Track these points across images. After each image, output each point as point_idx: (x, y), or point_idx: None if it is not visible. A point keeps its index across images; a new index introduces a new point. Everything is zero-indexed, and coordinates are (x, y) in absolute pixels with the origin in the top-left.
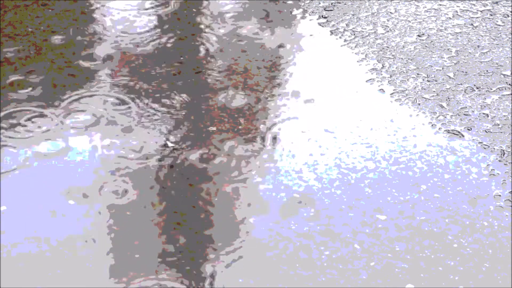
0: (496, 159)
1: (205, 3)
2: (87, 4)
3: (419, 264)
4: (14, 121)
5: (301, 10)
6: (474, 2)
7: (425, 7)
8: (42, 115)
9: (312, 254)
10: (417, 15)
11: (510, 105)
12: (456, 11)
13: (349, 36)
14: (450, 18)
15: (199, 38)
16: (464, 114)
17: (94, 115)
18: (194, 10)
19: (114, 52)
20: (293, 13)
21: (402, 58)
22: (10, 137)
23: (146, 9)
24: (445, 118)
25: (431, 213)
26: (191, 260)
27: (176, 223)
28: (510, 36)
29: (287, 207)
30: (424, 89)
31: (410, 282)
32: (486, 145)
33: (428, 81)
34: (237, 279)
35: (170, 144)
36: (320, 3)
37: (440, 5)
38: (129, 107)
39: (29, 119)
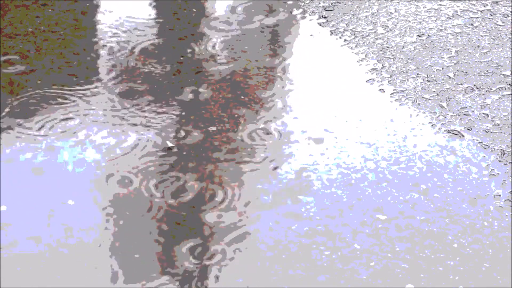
0: (496, 159)
1: (205, 3)
2: (87, 4)
3: (419, 264)
4: (14, 121)
5: (301, 10)
6: (474, 2)
7: (425, 7)
8: (42, 115)
9: (312, 254)
10: (417, 15)
11: (510, 105)
12: (456, 11)
13: (349, 36)
14: (450, 18)
15: (199, 38)
16: (464, 114)
17: (94, 115)
18: (194, 10)
19: (114, 52)
20: (293, 13)
21: (402, 58)
22: (10, 137)
23: (147, 9)
24: (445, 118)
25: (431, 213)
26: (191, 260)
27: (176, 223)
28: (510, 36)
29: (287, 207)
30: (424, 89)
31: (410, 282)
32: (486, 145)
33: (428, 81)
34: (237, 279)
35: (170, 144)
36: (320, 3)
37: (440, 5)
38: (129, 107)
39: (29, 119)
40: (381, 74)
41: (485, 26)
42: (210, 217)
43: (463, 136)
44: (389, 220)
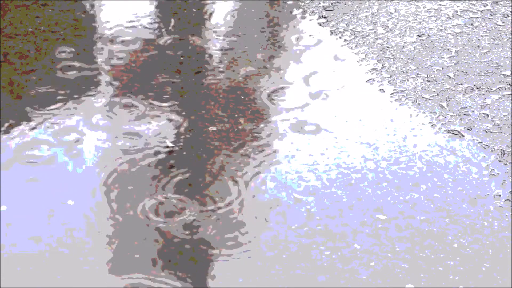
0: (496, 159)
1: (205, 3)
2: (87, 4)
3: (419, 264)
4: (15, 121)
5: (301, 10)
6: (474, 2)
7: (425, 7)
8: (42, 115)
9: (312, 254)
10: (417, 15)
11: (510, 105)
12: (456, 11)
13: (349, 36)
14: (450, 18)
15: (200, 38)
16: (464, 114)
17: (94, 115)
18: (194, 10)
19: (114, 52)
20: (293, 13)
21: (402, 58)
22: (10, 137)
23: (147, 9)
24: (445, 118)
25: (431, 213)
26: (191, 260)
27: (175, 223)
28: (510, 36)
29: (287, 207)
30: (424, 89)
31: (410, 282)
32: (486, 145)
33: (428, 81)
34: (237, 279)
35: (170, 144)
36: (320, 3)
37: (440, 5)
38: (129, 107)
39: (28, 119)
40: (381, 74)
41: (485, 26)
42: (209, 216)
43: (463, 136)
44: (389, 220)
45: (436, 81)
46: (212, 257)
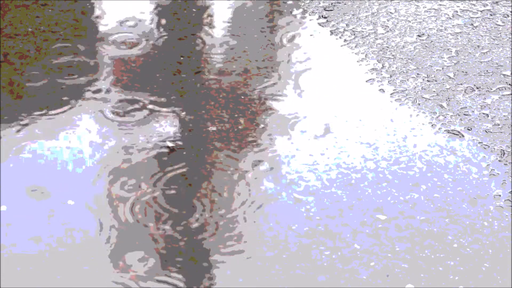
0: (496, 159)
1: (205, 3)
2: (87, 4)
3: (419, 264)
4: (15, 121)
5: (301, 10)
6: (474, 2)
7: (425, 7)
8: (42, 115)
9: (312, 254)
10: (417, 15)
11: (510, 105)
12: (456, 11)
13: (349, 36)
14: (450, 18)
15: (199, 38)
16: (464, 114)
17: (93, 116)
18: (194, 10)
19: (114, 52)
20: (293, 13)
21: (402, 58)
22: (10, 137)
23: (146, 8)
24: (445, 118)
25: (431, 213)
26: (191, 260)
27: (176, 222)
28: (510, 36)
29: (287, 207)
30: (424, 89)
31: (410, 282)
32: (486, 145)
33: (428, 81)
34: (237, 279)
35: (170, 144)
36: (320, 3)
37: (440, 5)
38: (129, 107)
39: (29, 119)
40: (381, 74)
41: (485, 26)
42: (209, 217)
43: (463, 136)
44: (389, 220)
45: (436, 81)
46: (212, 257)
